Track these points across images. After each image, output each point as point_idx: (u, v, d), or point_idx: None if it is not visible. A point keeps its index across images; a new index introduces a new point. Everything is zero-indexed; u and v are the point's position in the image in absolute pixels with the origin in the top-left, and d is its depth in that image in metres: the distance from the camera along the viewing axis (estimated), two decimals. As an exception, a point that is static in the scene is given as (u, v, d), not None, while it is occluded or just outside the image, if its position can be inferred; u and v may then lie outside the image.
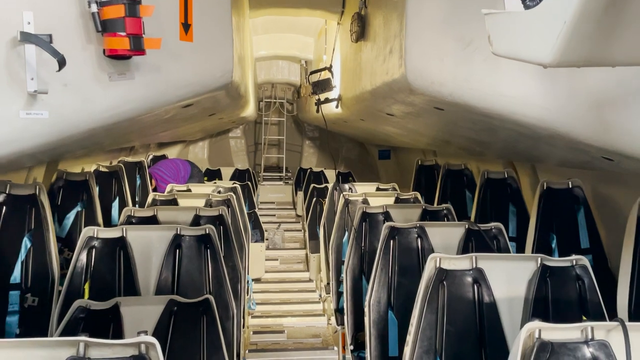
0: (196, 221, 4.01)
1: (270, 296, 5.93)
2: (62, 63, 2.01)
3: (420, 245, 3.37)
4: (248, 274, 5.18)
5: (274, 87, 10.81)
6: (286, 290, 6.13)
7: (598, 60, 1.18)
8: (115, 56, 2.31)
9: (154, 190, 6.32)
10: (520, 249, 4.00)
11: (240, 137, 11.60)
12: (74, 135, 2.40)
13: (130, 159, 6.46)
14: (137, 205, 5.33)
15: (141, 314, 2.76)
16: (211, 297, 2.86)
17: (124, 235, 3.13)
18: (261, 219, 8.70)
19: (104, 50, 2.30)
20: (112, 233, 3.14)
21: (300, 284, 6.35)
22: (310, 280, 6.47)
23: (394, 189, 5.79)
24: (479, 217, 4.25)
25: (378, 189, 5.83)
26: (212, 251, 3.18)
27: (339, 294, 4.80)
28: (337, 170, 8.97)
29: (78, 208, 3.89)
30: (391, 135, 5.18)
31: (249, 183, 7.94)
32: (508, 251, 3.38)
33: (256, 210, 7.29)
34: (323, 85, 3.99)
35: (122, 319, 2.63)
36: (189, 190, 5.58)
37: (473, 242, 3.39)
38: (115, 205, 4.73)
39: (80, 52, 2.22)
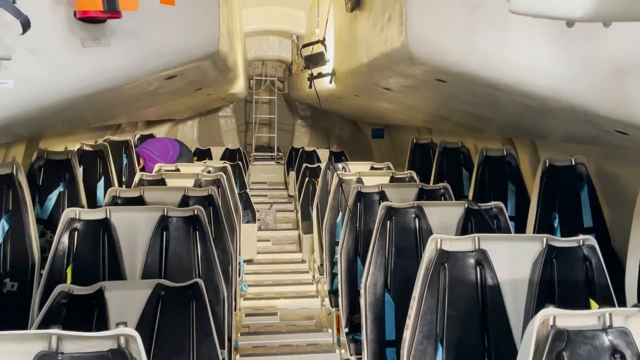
0: (184, 202, 3.85)
1: (262, 277, 5.81)
2: (26, 25, 1.81)
3: (418, 225, 3.24)
4: (240, 255, 5.05)
5: (265, 64, 10.55)
6: (279, 271, 6.02)
7: (636, 12, 1.03)
8: (87, 19, 2.10)
9: (142, 170, 6.13)
10: (520, 228, 3.88)
11: (231, 116, 11.36)
12: (46, 106, 2.20)
13: (116, 137, 6.25)
14: (123, 186, 5.15)
15: (127, 299, 2.63)
16: (200, 281, 2.72)
17: (108, 216, 2.97)
18: (253, 200, 8.55)
19: (74, 13, 2.09)
20: (95, 214, 2.97)
21: (293, 265, 6.24)
22: (303, 262, 6.36)
23: (389, 168, 5.65)
24: (476, 196, 4.13)
25: (372, 168, 5.69)
26: (201, 233, 3.03)
27: (333, 275, 4.69)
28: (330, 150, 8.82)
29: (60, 188, 3.71)
30: (386, 112, 5.01)
31: (240, 163, 7.77)
32: (509, 231, 3.27)
33: (247, 190, 7.13)
34: (316, 59, 3.81)
35: (106, 304, 2.49)
36: (178, 170, 5.39)
37: (473, 222, 3.26)
38: (101, 185, 4.55)
39: (48, 14, 2.01)
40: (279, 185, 9.59)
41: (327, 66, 4.03)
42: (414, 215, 3.22)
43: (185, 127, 10.28)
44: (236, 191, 5.32)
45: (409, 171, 4.92)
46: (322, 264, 5.28)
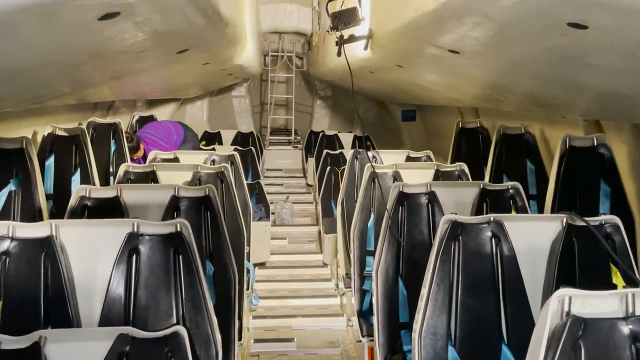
0: (174, 204, 2.96)
1: (276, 286, 4.93)
2: None
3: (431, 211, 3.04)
4: (249, 260, 4.16)
5: (281, 38, 9.52)
6: (296, 277, 5.12)
7: None
8: None
9: (144, 157, 5.25)
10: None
11: (245, 96, 10.42)
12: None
13: (108, 119, 5.37)
14: (111, 179, 4.26)
15: (76, 357, 1.77)
16: (182, 330, 1.83)
17: (52, 233, 2.08)
18: (267, 189, 7.65)
19: None
20: (36, 230, 2.08)
21: (312, 269, 5.34)
22: (324, 265, 5.44)
23: (429, 158, 4.68)
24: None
25: (409, 158, 4.73)
26: (186, 257, 2.12)
27: (363, 293, 3.79)
28: (357, 134, 7.83)
29: (11, 187, 2.82)
30: (429, 88, 4.01)
31: (253, 149, 6.86)
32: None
33: (260, 181, 6.22)
34: (347, 17, 2.87)
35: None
36: (176, 159, 4.50)
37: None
38: (76, 179, 3.67)
39: None
40: (296, 172, 8.67)
41: (361, 27, 3.09)
42: (426, 201, 3.06)
43: (194, 107, 9.36)
44: (245, 185, 4.40)
45: (458, 164, 3.94)
46: (347, 274, 4.38)
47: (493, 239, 2.26)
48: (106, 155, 4.52)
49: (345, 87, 8.70)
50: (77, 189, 2.85)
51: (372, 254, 3.79)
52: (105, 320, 2.05)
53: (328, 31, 3.29)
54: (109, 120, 4.69)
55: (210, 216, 2.99)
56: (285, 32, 9.35)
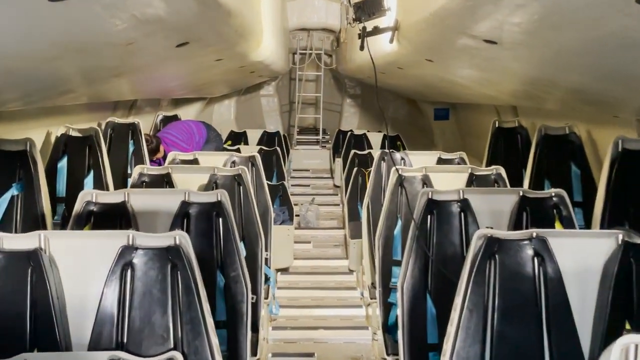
0: (184, 211, 2.76)
1: (298, 294, 4.69)
2: None
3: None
4: (269, 266, 3.94)
5: (310, 35, 9.28)
6: (319, 285, 4.87)
7: None
8: None
9: (164, 159, 5.10)
10: None
11: (273, 95, 10.24)
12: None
13: (130, 119, 5.24)
14: (127, 181, 4.11)
15: None
16: (178, 356, 1.63)
17: (40, 245, 1.89)
18: (293, 190, 7.47)
19: None
20: (23, 242, 1.90)
21: (337, 276, 5.08)
22: (350, 272, 5.18)
23: (463, 160, 4.36)
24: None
25: (441, 160, 4.41)
26: (184, 275, 1.90)
27: (389, 306, 3.51)
28: (385, 134, 7.52)
29: (13, 191, 2.67)
30: (462, 84, 3.70)
31: (278, 149, 6.63)
32: (572, 223, 2.77)
33: (285, 182, 6.00)
34: (370, 7, 2.60)
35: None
36: (195, 160, 4.32)
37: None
38: (89, 182, 3.52)
39: None
40: (323, 173, 8.42)
41: (386, 18, 2.81)
42: (458, 209, 2.78)
43: (222, 106, 9.23)
44: (266, 188, 4.18)
45: (494, 167, 3.62)
46: (373, 283, 4.11)
47: (535, 257, 1.97)
48: (124, 157, 4.38)
49: (374, 84, 8.42)
50: (83, 194, 2.68)
51: (399, 264, 3.51)
52: (96, 343, 1.86)
53: (350, 23, 3.03)
54: (127, 120, 4.54)
55: (222, 223, 2.78)
56: (314, 29, 9.10)
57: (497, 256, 1.96)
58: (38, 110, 3.61)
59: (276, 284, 4.64)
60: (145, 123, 6.14)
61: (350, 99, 10.32)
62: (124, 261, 1.89)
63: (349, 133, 7.73)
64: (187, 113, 7.13)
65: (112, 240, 1.92)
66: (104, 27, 1.53)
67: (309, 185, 7.84)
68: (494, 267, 1.96)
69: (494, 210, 2.88)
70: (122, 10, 1.45)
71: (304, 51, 9.41)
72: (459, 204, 2.83)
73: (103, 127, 4.44)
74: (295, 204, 6.17)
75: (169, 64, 2.95)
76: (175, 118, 6.43)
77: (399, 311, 2.85)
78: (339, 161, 7.39)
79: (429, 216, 2.82)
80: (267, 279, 3.85)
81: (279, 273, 5.04)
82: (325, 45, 9.40)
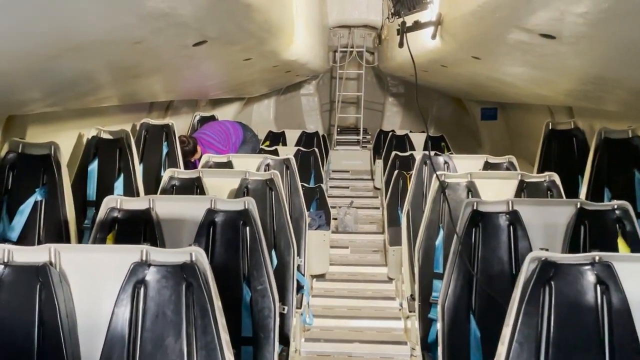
0: (209, 219, 2.61)
1: (334, 303, 4.50)
2: None
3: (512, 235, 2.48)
4: (303, 273, 3.77)
5: (351, 33, 9.05)
6: (356, 294, 4.67)
7: None
8: None
9: (194, 161, 5.03)
10: None
11: (313, 94, 10.08)
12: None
13: (167, 120, 5.19)
14: (159, 187, 3.99)
15: None
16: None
17: (51, 258, 1.77)
18: (332, 192, 7.28)
19: None
20: (32, 255, 1.79)
21: (376, 285, 4.86)
22: (389, 280, 4.95)
23: (512, 165, 4.05)
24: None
25: (487, 165, 4.12)
26: (199, 295, 1.74)
27: (428, 322, 3.27)
28: (427, 134, 7.21)
29: (37, 197, 2.60)
30: (513, 84, 3.40)
31: (317, 149, 6.46)
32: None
33: (323, 185, 5.82)
34: (411, 0, 2.38)
35: None
36: (229, 163, 4.19)
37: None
38: (119, 186, 3.44)
39: None
40: (364, 174, 8.20)
41: (428, 12, 2.58)
42: (507, 222, 2.51)
43: (261, 106, 9.14)
44: (301, 192, 4.00)
45: (547, 173, 3.31)
46: (412, 295, 3.87)
47: (598, 285, 1.70)
48: (157, 159, 4.30)
49: (418, 83, 8.11)
50: (107, 200, 2.59)
51: (440, 277, 3.27)
52: (107, 357, 1.72)
53: (388, 18, 2.81)
54: (162, 121, 4.47)
55: (249, 232, 2.62)
56: (355, 26, 8.87)
57: (552, 282, 1.71)
58: (71, 113, 3.57)
59: (311, 292, 4.47)
60: (183, 124, 6.10)
61: (393, 98, 10.03)
62: (136, 279, 1.75)
63: (391, 133, 7.47)
64: (225, 113, 7.06)
65: (125, 256, 1.78)
66: (107, 24, 1.39)
67: (348, 187, 7.64)
68: (549, 295, 1.70)
69: (547, 224, 2.60)
70: (124, 5, 1.30)
71: (344, 49, 9.19)
72: (507, 216, 2.56)
73: (138, 128, 4.40)
74: (333, 207, 5.98)
75: (191, 64, 2.81)
76: (212, 118, 6.37)
77: (439, 329, 2.63)
78: (379, 163, 7.16)
79: (473, 229, 2.56)
80: (300, 287, 3.69)
81: (314, 279, 4.87)
82: (367, 43, 9.16)
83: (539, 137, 4.40)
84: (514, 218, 2.55)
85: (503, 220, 2.56)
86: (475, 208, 2.57)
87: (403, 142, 7.29)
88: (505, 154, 4.19)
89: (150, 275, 1.75)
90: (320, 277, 4.95)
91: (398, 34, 2.64)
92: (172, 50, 2.10)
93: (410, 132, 7.64)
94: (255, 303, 2.56)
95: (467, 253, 2.54)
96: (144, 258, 1.77)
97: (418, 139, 7.35)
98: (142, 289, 1.75)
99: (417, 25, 2.62)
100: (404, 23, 2.61)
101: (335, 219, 6.05)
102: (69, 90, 2.50)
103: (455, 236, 2.59)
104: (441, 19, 2.48)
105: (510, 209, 2.57)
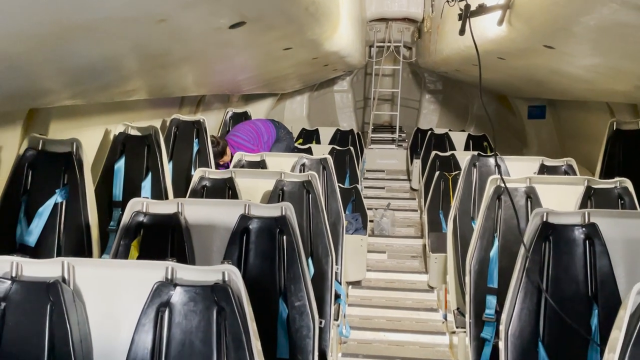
0: (243, 226, 2.36)
1: (372, 313, 4.21)
2: None
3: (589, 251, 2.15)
4: (340, 281, 3.50)
5: (389, 27, 8.70)
6: (395, 303, 4.36)
7: None
8: None
9: (223, 164, 4.79)
10: None
11: (347, 91, 9.80)
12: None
13: (198, 115, 4.98)
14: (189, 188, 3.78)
15: None
16: None
17: (64, 275, 1.54)
18: (366, 192, 6.98)
19: None
20: (44, 269, 1.56)
21: (416, 294, 4.55)
22: (430, 289, 4.63)
23: (571, 169, 3.68)
24: None
25: (543, 168, 3.76)
26: (232, 322, 1.48)
27: (481, 342, 2.95)
28: (468, 132, 6.83)
29: (57, 198, 2.38)
30: (582, 77, 3.02)
31: (352, 148, 6.17)
32: None
33: (358, 185, 5.53)
34: (476, -20, 2.08)
35: None
36: (263, 162, 3.95)
37: None
38: (147, 185, 3.23)
39: None
40: (399, 174, 7.87)
41: (493, -5, 2.27)
42: (583, 237, 2.19)
43: (293, 103, 8.89)
44: (338, 194, 3.74)
45: (618, 179, 2.95)
46: (459, 309, 3.56)
47: None
48: (188, 156, 4.09)
49: (460, 79, 7.70)
50: (132, 203, 2.35)
51: (494, 292, 2.95)
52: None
53: (448, 1, 2.49)
54: (193, 117, 4.25)
55: (287, 242, 2.36)
56: (393, 19, 8.50)
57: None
58: (98, 107, 3.38)
59: (347, 300, 4.20)
60: (215, 120, 5.90)
61: (430, 95, 9.66)
62: (159, 300, 1.50)
63: (429, 132, 7.12)
64: (258, 109, 6.83)
65: (148, 273, 1.53)
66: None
67: (383, 188, 7.32)
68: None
69: (628, 239, 2.25)
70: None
71: (381, 44, 8.85)
72: (583, 229, 2.23)
73: (168, 124, 4.19)
74: (369, 208, 5.69)
75: (226, 53, 2.55)
76: (245, 115, 6.14)
77: (502, 357, 2.31)
78: (417, 162, 6.81)
79: (543, 243, 2.24)
80: (337, 297, 3.42)
81: (350, 287, 4.59)
82: (405, 37, 8.79)
83: (594, 137, 4.02)
84: (592, 232, 2.21)
85: (578, 234, 2.23)
86: (545, 219, 2.24)
87: (442, 141, 6.92)
88: (555, 156, 3.82)
89: (177, 296, 1.50)
90: (356, 284, 4.67)
91: (460, 19, 2.34)
92: (205, 33, 1.84)
93: (450, 130, 7.27)
94: (293, 321, 2.30)
95: (537, 271, 2.21)
96: (169, 276, 1.52)
97: (459, 138, 6.98)
98: (166, 313, 1.49)
99: (481, 10, 2.30)
100: (467, 7, 2.29)
101: (372, 221, 5.75)
102: (91, 80, 2.27)
103: (521, 251, 2.27)
104: (512, 2, 2.16)
105: (587, 220, 2.23)
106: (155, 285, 1.50)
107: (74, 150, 2.44)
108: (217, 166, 4.73)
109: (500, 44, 2.69)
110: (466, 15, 2.31)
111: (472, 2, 2.32)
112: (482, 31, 2.63)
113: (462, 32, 2.35)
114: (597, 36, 1.88)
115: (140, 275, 1.55)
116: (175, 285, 1.50)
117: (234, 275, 1.51)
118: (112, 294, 1.56)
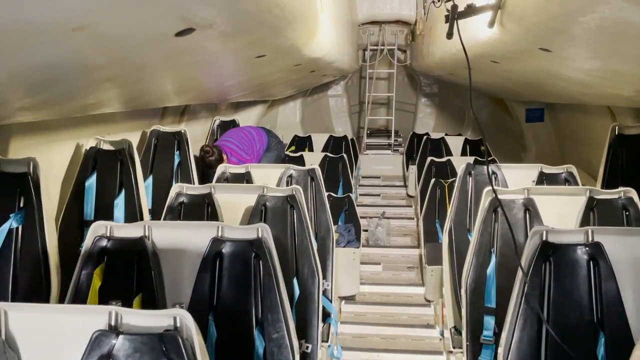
0: (215, 250, 2.16)
1: (366, 331, 4.01)
2: None
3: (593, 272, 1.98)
4: (330, 298, 3.31)
5: (382, 30, 8.52)
6: (391, 320, 4.16)
7: None
8: None
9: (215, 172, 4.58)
10: None
11: (341, 95, 9.62)
12: None
13: (182, 125, 4.79)
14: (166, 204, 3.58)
15: None
16: None
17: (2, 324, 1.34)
18: (361, 200, 6.79)
19: None
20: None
21: (412, 308, 4.35)
22: (426, 303, 4.43)
23: (571, 176, 3.48)
24: None
25: (542, 177, 3.56)
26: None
27: (480, 366, 2.75)
28: (465, 137, 6.64)
29: (12, 224, 2.19)
30: (582, 81, 2.84)
31: (345, 155, 5.97)
32: None
33: (352, 194, 5.32)
34: (463, -22, 1.90)
35: None
36: (248, 174, 3.76)
37: None
38: (120, 204, 3.03)
39: None
40: (395, 180, 7.67)
41: (484, -5, 2.09)
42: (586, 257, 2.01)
43: (286, 109, 8.70)
44: (327, 207, 3.54)
45: (622, 189, 2.75)
46: (456, 327, 3.35)
47: None
48: (169, 170, 3.89)
49: (455, 82, 7.52)
50: (94, 228, 2.16)
51: (492, 312, 2.76)
52: None
53: (434, 2, 2.31)
54: (174, 127, 4.06)
55: (263, 267, 2.16)
56: (386, 22, 8.32)
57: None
58: (69, 119, 3.19)
59: (339, 318, 4.00)
60: (201, 130, 5.70)
61: (426, 99, 9.48)
62: (99, 352, 1.30)
63: (425, 136, 6.93)
64: (248, 117, 6.64)
65: (88, 319, 1.34)
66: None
67: (379, 195, 7.13)
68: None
69: (636, 259, 2.05)
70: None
71: (375, 47, 8.67)
72: (586, 249, 2.03)
73: (148, 135, 4.00)
74: (363, 217, 5.49)
75: (190, 60, 2.35)
76: (233, 123, 5.94)
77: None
78: (413, 168, 6.63)
79: (543, 264, 2.04)
80: (327, 316, 3.22)
81: (343, 302, 4.39)
82: (399, 40, 8.62)
83: (595, 140, 3.83)
84: (596, 251, 2.02)
85: (581, 254, 2.03)
86: (545, 238, 2.04)
87: (439, 146, 6.74)
88: (554, 160, 3.64)
89: (120, 347, 1.30)
90: (350, 299, 4.47)
91: (447, 22, 2.15)
92: (150, 42, 1.65)
93: (446, 135, 7.08)
94: (270, 355, 2.09)
95: (535, 295, 2.02)
96: (112, 323, 1.32)
97: (455, 142, 6.78)
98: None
99: (470, 10, 2.11)
100: (454, 7, 2.09)
101: (366, 230, 5.55)
102: (44, 93, 2.08)
103: (519, 275, 2.07)
104: (503, 2, 1.97)
105: (590, 239, 2.04)
106: (95, 335, 1.30)
107: (31, 170, 2.25)
108: (213, 176, 4.53)
109: (492, 47, 2.50)
110: (453, 17, 2.11)
111: (460, 3, 2.13)
112: (472, 34, 2.44)
113: (449, 35, 2.16)
114: (597, 38, 1.69)
115: (80, 322, 1.35)
116: (119, 333, 1.30)
117: (186, 320, 1.31)
118: (50, 344, 1.37)
